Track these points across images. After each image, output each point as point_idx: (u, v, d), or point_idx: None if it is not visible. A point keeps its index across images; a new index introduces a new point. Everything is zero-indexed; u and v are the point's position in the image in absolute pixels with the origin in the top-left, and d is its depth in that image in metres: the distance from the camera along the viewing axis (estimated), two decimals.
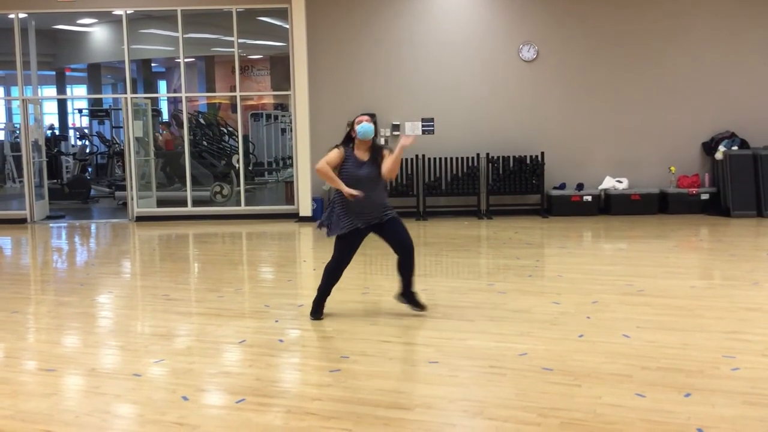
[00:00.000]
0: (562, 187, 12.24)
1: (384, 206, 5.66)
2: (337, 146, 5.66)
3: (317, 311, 5.82)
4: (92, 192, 16.58)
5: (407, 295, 5.83)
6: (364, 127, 5.52)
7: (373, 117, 5.68)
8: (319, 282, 5.86)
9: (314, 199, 12.29)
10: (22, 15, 13.07)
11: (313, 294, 5.90)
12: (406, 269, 5.72)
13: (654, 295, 6.38)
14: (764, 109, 12.07)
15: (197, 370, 4.67)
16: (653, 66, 12.20)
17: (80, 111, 22.71)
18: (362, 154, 5.60)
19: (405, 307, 5.86)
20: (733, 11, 12.08)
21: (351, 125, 5.62)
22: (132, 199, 12.86)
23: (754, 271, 7.31)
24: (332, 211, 5.65)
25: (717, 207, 11.80)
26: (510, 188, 12.21)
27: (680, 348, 4.84)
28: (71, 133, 21.98)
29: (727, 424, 3.63)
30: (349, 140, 5.64)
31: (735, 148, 11.71)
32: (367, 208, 5.56)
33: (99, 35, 18.78)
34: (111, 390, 4.33)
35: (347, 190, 5.46)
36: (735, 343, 4.95)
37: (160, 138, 15.85)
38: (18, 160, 14.58)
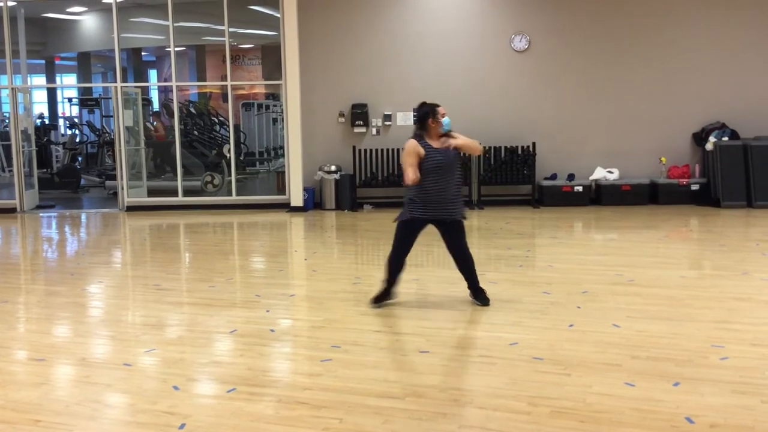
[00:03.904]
0: (554, 177, 12.26)
1: (455, 203, 5.67)
2: (414, 137, 5.67)
3: (378, 299, 5.82)
4: (82, 181, 16.49)
5: (472, 292, 5.89)
6: (447, 121, 5.62)
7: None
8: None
9: (305, 189, 12.27)
10: (11, 3, 12.97)
11: (305, 285, 5.91)
12: (463, 271, 5.85)
13: (644, 285, 6.41)
14: (755, 99, 12.10)
15: (188, 360, 4.67)
16: (644, 57, 12.21)
17: (70, 100, 22.56)
18: (436, 143, 5.63)
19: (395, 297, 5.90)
20: (724, 2, 12.09)
21: (428, 112, 5.61)
22: (122, 188, 12.81)
23: (744, 262, 7.35)
24: (413, 198, 5.66)
25: (707, 197, 11.85)
26: (501, 179, 12.23)
27: (669, 337, 4.87)
28: (61, 122, 21.85)
29: (716, 412, 3.65)
30: (423, 128, 5.65)
31: (725, 138, 11.74)
32: (440, 200, 5.60)
33: (89, 24, 18.66)
34: (101, 379, 4.33)
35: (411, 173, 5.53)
36: (724, 332, 4.98)
37: (153, 129, 15.78)
38: (7, 150, 14.48)
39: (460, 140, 5.60)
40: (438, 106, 5.66)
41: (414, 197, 5.65)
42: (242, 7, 14.48)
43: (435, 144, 5.60)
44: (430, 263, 7.73)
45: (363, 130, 12.39)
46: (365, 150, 12.35)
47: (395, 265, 5.75)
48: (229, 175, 13.29)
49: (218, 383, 4.26)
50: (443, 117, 5.60)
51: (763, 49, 12.06)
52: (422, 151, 5.56)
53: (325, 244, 9.40)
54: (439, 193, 5.58)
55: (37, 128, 16.51)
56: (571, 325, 5.20)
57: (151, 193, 13.46)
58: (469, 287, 5.88)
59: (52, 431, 3.64)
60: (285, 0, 11.89)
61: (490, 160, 12.24)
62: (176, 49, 13.00)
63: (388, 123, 12.44)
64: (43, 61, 21.34)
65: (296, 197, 12.24)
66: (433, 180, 5.56)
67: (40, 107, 22.35)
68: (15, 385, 4.28)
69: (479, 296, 5.84)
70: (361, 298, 6.16)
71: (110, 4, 12.75)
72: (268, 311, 5.85)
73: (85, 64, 21.30)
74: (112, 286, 7.06)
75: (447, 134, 5.66)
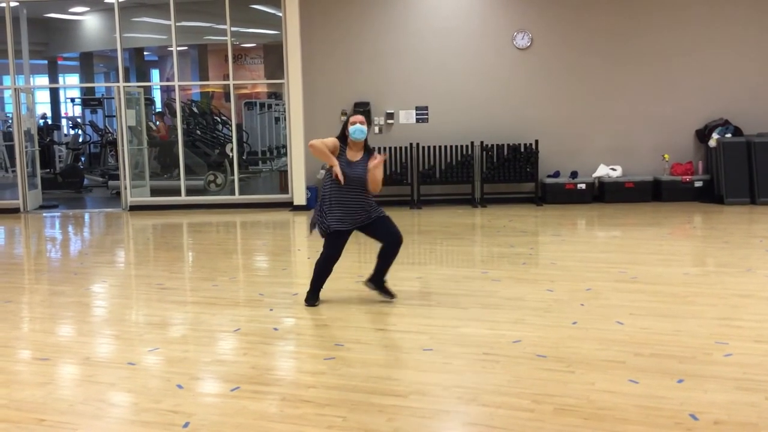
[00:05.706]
0: (556, 175, 12.25)
1: (371, 208, 5.67)
2: (337, 137, 5.70)
3: (311, 299, 5.88)
4: (85, 181, 16.52)
5: (377, 282, 5.90)
6: (356, 130, 5.57)
7: (366, 108, 5.71)
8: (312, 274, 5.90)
9: (308, 188, 12.28)
10: (13, 3, 12.99)
11: (308, 284, 5.92)
12: (388, 257, 5.78)
13: (647, 282, 6.40)
14: (758, 96, 12.08)
15: (192, 359, 4.68)
16: (647, 54, 12.19)
17: (73, 100, 22.62)
18: (354, 154, 5.67)
19: (398, 295, 5.90)
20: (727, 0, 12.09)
21: (347, 120, 5.65)
22: (125, 188, 12.83)
23: (747, 258, 7.34)
24: (321, 209, 5.68)
25: (710, 194, 11.83)
26: (504, 176, 12.22)
27: (673, 334, 4.87)
28: (64, 122, 21.88)
29: (720, 409, 3.65)
30: (344, 136, 5.67)
31: (728, 135, 11.72)
32: (354, 208, 5.62)
33: (91, 24, 18.69)
34: (105, 379, 4.33)
35: (337, 169, 5.50)
36: (727, 329, 4.97)
37: (155, 129, 15.79)
38: (11, 150, 14.51)
39: (376, 171, 5.53)
40: (361, 115, 5.61)
41: (321, 205, 5.66)
42: (244, 6, 14.49)
43: (349, 154, 5.62)
44: (433, 261, 7.72)
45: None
46: None
47: (324, 272, 5.77)
48: (232, 174, 13.29)
49: (222, 382, 4.26)
50: (352, 125, 5.56)
51: (765, 45, 12.04)
52: (335, 148, 5.58)
53: None
54: (340, 202, 5.58)
55: (40, 128, 16.55)
56: (574, 323, 5.20)
57: (154, 192, 13.48)
58: (374, 277, 5.86)
59: (56, 430, 3.64)
60: None
61: (493, 158, 12.23)
62: (178, 48, 13.02)
63: (390, 121, 12.43)
64: (46, 62, 21.38)
65: (299, 196, 12.25)
66: (336, 188, 5.57)
67: (43, 107, 22.37)
68: (19, 385, 4.29)
69: (384, 289, 5.87)
70: (363, 296, 6.16)
71: (112, 4, 12.76)
72: (271, 310, 5.85)
73: (87, 64, 21.33)
74: (115, 286, 7.08)
75: (370, 152, 5.66)
